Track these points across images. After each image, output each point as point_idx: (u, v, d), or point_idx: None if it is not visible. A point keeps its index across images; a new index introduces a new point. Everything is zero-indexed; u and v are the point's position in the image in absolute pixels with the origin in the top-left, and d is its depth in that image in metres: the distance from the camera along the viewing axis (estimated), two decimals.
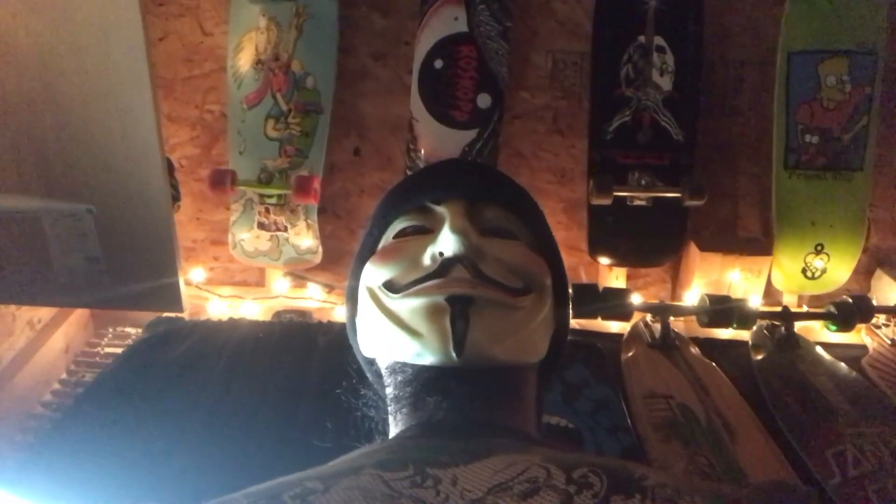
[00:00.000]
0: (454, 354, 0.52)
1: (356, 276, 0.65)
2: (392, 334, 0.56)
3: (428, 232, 0.61)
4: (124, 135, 1.17)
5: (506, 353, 0.54)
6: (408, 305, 0.56)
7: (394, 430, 0.59)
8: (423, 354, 0.54)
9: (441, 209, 0.62)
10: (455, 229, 0.56)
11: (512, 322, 0.56)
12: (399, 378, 0.57)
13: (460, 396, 0.54)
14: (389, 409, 0.60)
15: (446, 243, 0.56)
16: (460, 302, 0.53)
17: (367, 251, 0.65)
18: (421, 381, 0.55)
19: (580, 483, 0.42)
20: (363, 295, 0.61)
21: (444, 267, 0.56)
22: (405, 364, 0.56)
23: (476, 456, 0.46)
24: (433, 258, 0.57)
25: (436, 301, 0.54)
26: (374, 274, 0.60)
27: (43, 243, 1.23)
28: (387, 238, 0.65)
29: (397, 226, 0.64)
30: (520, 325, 0.56)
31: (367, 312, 0.60)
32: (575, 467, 0.44)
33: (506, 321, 0.55)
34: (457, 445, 0.48)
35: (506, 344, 0.54)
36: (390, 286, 0.58)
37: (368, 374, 0.69)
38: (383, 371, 0.61)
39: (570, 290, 1.53)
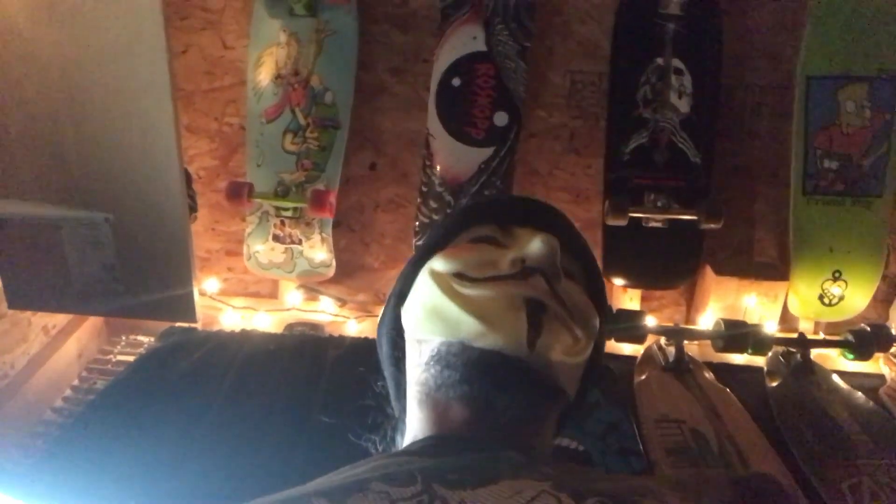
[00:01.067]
0: (526, 348, 0.52)
1: (416, 266, 0.64)
2: (456, 316, 0.55)
3: (502, 247, 0.62)
4: (144, 145, 1.19)
5: (561, 372, 0.55)
6: (483, 293, 0.55)
7: (410, 433, 0.58)
8: (490, 339, 0.53)
9: (524, 231, 0.64)
10: (546, 242, 0.57)
11: (572, 347, 0.56)
12: (445, 360, 0.55)
13: (500, 395, 0.53)
14: (410, 402, 0.59)
15: (534, 252, 0.57)
16: (536, 307, 0.54)
17: (436, 246, 0.66)
18: (472, 366, 0.53)
19: None
20: (426, 279, 0.60)
21: (526, 273, 0.57)
22: (461, 345, 0.54)
23: (485, 478, 0.45)
24: (514, 263, 0.58)
25: (514, 296, 0.54)
26: (446, 262, 0.59)
27: (60, 251, 1.24)
28: (461, 240, 0.66)
29: (476, 231, 0.65)
30: (576, 354, 0.56)
31: (428, 293, 0.59)
32: (586, 497, 0.43)
33: (567, 343, 0.55)
34: (466, 462, 0.48)
35: (564, 364, 0.55)
36: (462, 277, 0.58)
37: (391, 369, 0.68)
38: (423, 357, 0.58)
39: None
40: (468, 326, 0.54)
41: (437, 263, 0.60)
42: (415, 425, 0.58)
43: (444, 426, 0.55)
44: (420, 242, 0.70)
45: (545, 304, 0.54)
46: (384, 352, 0.69)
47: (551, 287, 0.56)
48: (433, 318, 0.57)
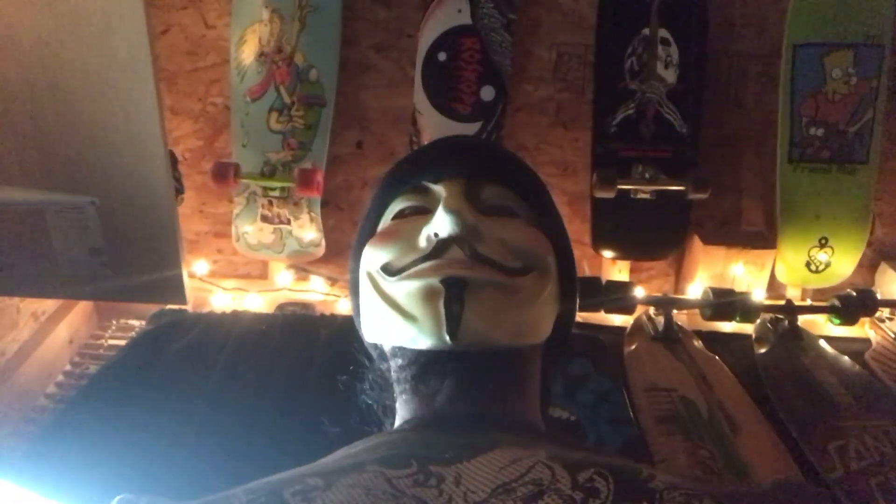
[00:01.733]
0: (448, 338, 0.51)
1: (357, 260, 0.63)
2: (389, 319, 0.55)
3: (426, 212, 0.59)
4: (127, 127, 1.17)
5: (505, 335, 0.53)
6: (403, 289, 0.54)
7: (400, 415, 0.58)
8: (417, 339, 0.53)
9: (438, 188, 0.60)
10: (449, 209, 0.54)
11: (511, 303, 0.53)
12: (399, 362, 0.56)
13: (459, 382, 0.53)
14: (396, 393, 0.59)
15: (441, 224, 0.54)
16: (456, 284, 0.52)
17: (367, 234, 0.64)
18: (418, 367, 0.54)
19: (586, 488, 0.41)
20: (363, 279, 0.60)
21: (440, 248, 0.55)
22: (403, 349, 0.56)
23: (479, 450, 0.45)
24: (429, 239, 0.56)
25: (430, 283, 0.52)
26: (373, 257, 0.58)
27: (46, 235, 1.23)
28: (385, 220, 0.63)
29: (395, 206, 0.62)
30: (519, 306, 0.54)
31: (366, 297, 0.59)
32: (581, 469, 0.43)
33: (504, 303, 0.53)
34: (460, 440, 0.48)
35: (504, 326, 0.53)
36: (387, 269, 0.57)
37: (375, 357, 0.67)
38: (387, 356, 0.60)
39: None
40: (399, 332, 0.54)
41: (367, 261, 0.59)
42: (404, 403, 0.58)
43: (428, 407, 0.55)
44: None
45: (463, 277, 0.52)
46: (367, 344, 0.68)
47: (473, 251, 0.54)
48: (375, 325, 0.58)
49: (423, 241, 0.56)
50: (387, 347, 0.59)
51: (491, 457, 0.44)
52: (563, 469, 0.43)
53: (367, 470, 0.44)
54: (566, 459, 0.44)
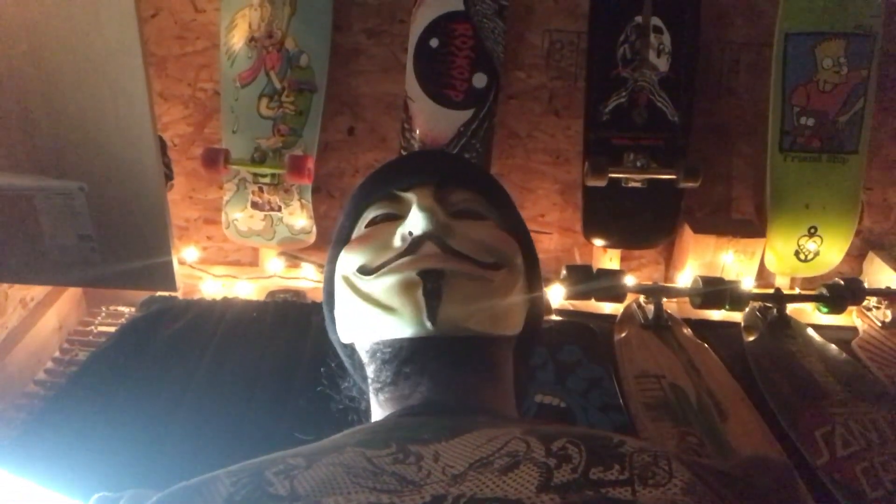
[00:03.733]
0: (428, 324, 0.53)
1: (331, 266, 0.66)
2: (368, 315, 0.57)
3: (398, 218, 0.62)
4: (116, 112, 1.16)
5: (479, 323, 0.55)
6: (382, 284, 0.56)
7: (377, 417, 0.59)
8: (399, 328, 0.54)
9: (409, 195, 0.63)
10: (422, 208, 0.57)
11: (484, 293, 0.56)
12: (379, 359, 0.57)
13: (439, 371, 0.55)
14: (372, 396, 0.60)
15: (415, 222, 0.57)
16: (432, 276, 0.54)
17: (341, 243, 0.66)
18: (400, 357, 0.56)
19: (559, 455, 0.43)
20: (339, 284, 0.62)
21: (415, 245, 0.57)
22: (383, 342, 0.57)
23: (457, 431, 0.47)
24: (403, 238, 0.58)
25: (408, 276, 0.55)
26: (348, 261, 0.61)
27: (35, 221, 1.22)
28: (359, 228, 0.66)
29: (368, 215, 0.65)
30: (493, 296, 0.57)
31: (343, 299, 0.61)
32: (554, 439, 0.45)
33: (479, 292, 0.56)
34: (438, 423, 0.49)
35: (480, 314, 0.56)
36: (363, 270, 0.59)
37: (349, 366, 0.69)
38: (364, 357, 0.61)
39: (565, 271, 1.53)
40: (379, 326, 0.56)
41: (342, 265, 0.61)
42: (383, 402, 0.59)
43: (408, 399, 0.56)
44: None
45: (440, 269, 0.55)
46: (340, 350, 0.70)
47: (446, 246, 0.57)
48: (353, 322, 0.60)
49: (397, 241, 0.59)
50: (365, 347, 0.60)
51: (468, 437, 0.46)
52: (537, 441, 0.45)
53: (347, 450, 0.46)
54: (540, 432, 0.46)
